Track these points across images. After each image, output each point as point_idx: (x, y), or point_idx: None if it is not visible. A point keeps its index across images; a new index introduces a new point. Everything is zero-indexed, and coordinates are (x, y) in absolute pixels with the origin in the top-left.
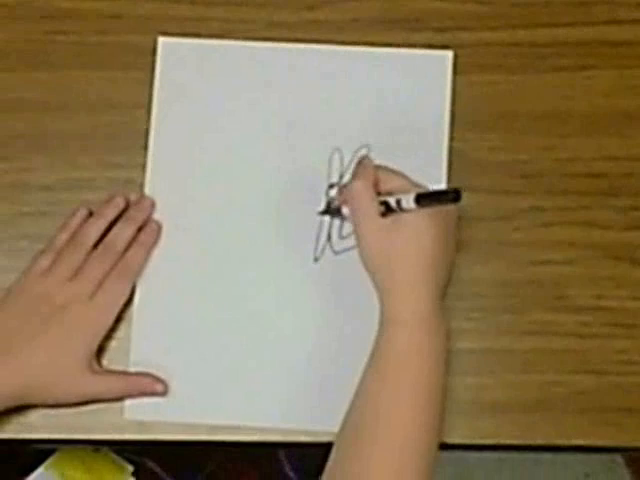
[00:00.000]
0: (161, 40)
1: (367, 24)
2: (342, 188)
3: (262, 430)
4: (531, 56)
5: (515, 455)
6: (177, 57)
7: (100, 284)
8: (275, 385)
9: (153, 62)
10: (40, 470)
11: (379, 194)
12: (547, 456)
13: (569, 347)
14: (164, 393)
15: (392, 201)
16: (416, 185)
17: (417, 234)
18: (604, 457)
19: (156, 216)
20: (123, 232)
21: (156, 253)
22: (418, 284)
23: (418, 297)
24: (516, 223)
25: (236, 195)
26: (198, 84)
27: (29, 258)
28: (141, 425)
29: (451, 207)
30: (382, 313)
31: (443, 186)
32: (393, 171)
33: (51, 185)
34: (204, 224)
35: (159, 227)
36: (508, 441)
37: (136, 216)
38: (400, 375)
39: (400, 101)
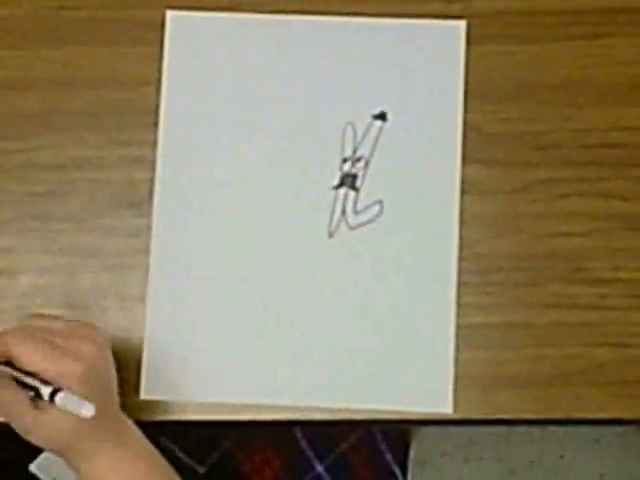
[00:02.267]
0: (169, 14)
1: None
2: None
3: (276, 407)
4: (546, 25)
5: None
6: (186, 31)
7: None
8: (290, 361)
9: (162, 37)
10: (46, 454)
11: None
12: None
13: (587, 320)
14: None
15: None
16: (55, 357)
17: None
18: None
19: (168, 193)
20: None
21: (168, 231)
22: (94, 446)
23: (101, 453)
24: (533, 195)
25: (248, 171)
26: (208, 58)
27: (41, 238)
28: (157, 404)
29: (98, 354)
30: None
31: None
32: (33, 346)
33: (61, 164)
34: (216, 201)
35: None
36: (527, 416)
37: None
38: None
39: (413, 73)
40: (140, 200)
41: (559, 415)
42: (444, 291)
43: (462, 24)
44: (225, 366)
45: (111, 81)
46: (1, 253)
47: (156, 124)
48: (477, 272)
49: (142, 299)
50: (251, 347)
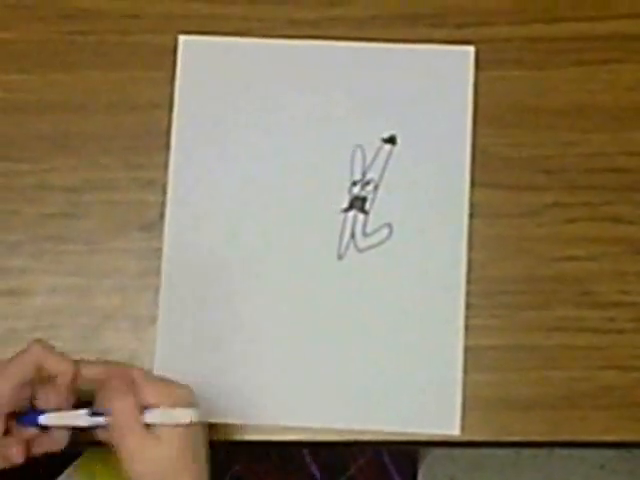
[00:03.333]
0: (182, 39)
1: (387, 20)
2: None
3: (285, 429)
4: (553, 51)
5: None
6: (198, 55)
7: None
8: (298, 383)
9: (173, 61)
10: (68, 471)
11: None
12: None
13: (595, 343)
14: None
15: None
16: (173, 396)
17: (187, 450)
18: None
19: (179, 216)
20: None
21: (179, 253)
22: None
23: None
24: (540, 219)
25: (259, 193)
26: (219, 82)
27: (53, 260)
28: None
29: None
30: None
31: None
32: (154, 384)
33: (74, 186)
34: (226, 223)
35: None
36: (534, 438)
37: None
38: None
39: (422, 98)
40: (151, 222)
41: (565, 437)
42: (452, 313)
43: (471, 50)
44: (234, 388)
45: (123, 104)
46: (14, 274)
47: (168, 147)
48: (485, 295)
49: (153, 320)
50: (260, 369)
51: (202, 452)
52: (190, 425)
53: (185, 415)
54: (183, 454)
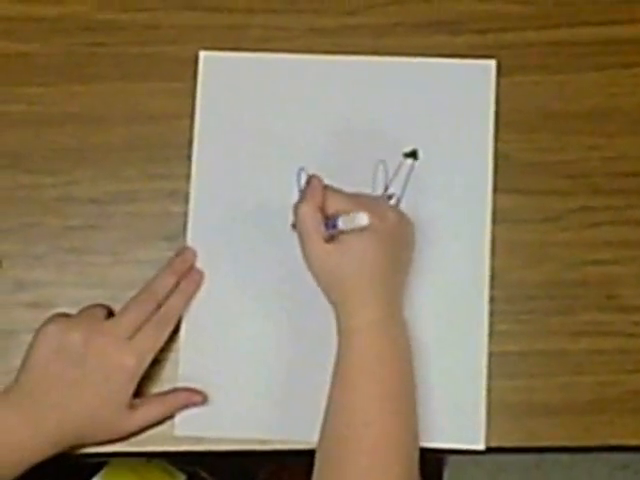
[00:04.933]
0: (202, 54)
1: (408, 28)
2: (294, 209)
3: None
4: (575, 55)
5: None
6: (218, 70)
7: (138, 329)
8: (317, 401)
9: (194, 72)
10: None
11: (326, 216)
12: None
13: (621, 347)
14: (203, 401)
15: (338, 223)
16: (360, 204)
17: (363, 256)
18: None
19: (201, 226)
20: (166, 281)
21: (202, 264)
22: (367, 296)
23: (368, 308)
24: (564, 224)
25: (279, 205)
26: (239, 95)
27: (77, 272)
28: (193, 437)
29: (399, 220)
30: (337, 326)
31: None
32: (340, 192)
33: (97, 198)
34: (248, 234)
35: (201, 277)
36: (562, 443)
37: (179, 267)
38: (365, 384)
39: (444, 111)
40: (175, 233)
41: (594, 442)
42: (476, 320)
43: (492, 63)
44: (255, 403)
45: (144, 116)
46: (38, 286)
47: (190, 157)
48: (509, 300)
49: (176, 329)
50: (280, 386)
51: (383, 259)
52: (369, 230)
53: (362, 218)
54: (362, 261)
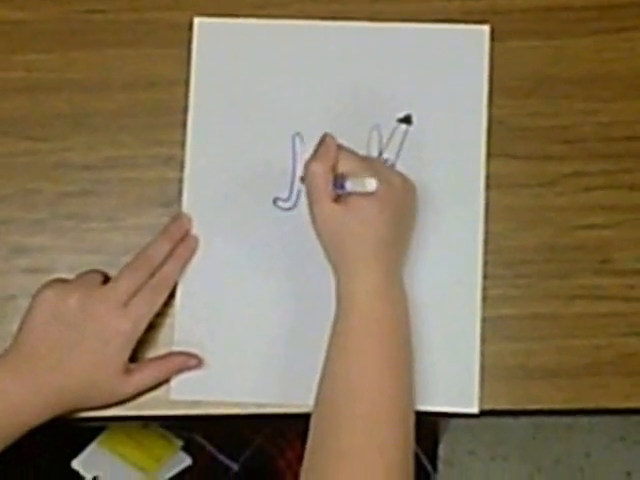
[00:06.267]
0: (197, 20)
1: None
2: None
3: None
4: (569, 20)
5: (550, 420)
6: (213, 36)
7: (134, 294)
8: (313, 365)
9: (190, 38)
10: (92, 446)
11: (336, 176)
12: (582, 420)
13: (615, 310)
14: (199, 365)
15: (347, 185)
16: (371, 168)
17: (368, 219)
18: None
19: (195, 193)
20: (161, 247)
21: (197, 230)
22: (369, 259)
23: (370, 271)
24: (559, 188)
25: (275, 171)
26: (234, 62)
27: (75, 237)
28: (189, 401)
29: (405, 186)
30: (337, 289)
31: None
32: (352, 153)
33: (93, 164)
34: (243, 200)
35: (196, 242)
36: (556, 406)
37: (174, 233)
38: (363, 348)
39: (438, 75)
40: (171, 199)
41: (588, 405)
42: (471, 283)
43: (486, 29)
44: (250, 367)
45: (140, 82)
46: (36, 252)
47: (185, 124)
48: (504, 265)
49: (171, 295)
50: (276, 350)
51: (387, 225)
52: (375, 196)
53: (371, 183)
54: (366, 225)
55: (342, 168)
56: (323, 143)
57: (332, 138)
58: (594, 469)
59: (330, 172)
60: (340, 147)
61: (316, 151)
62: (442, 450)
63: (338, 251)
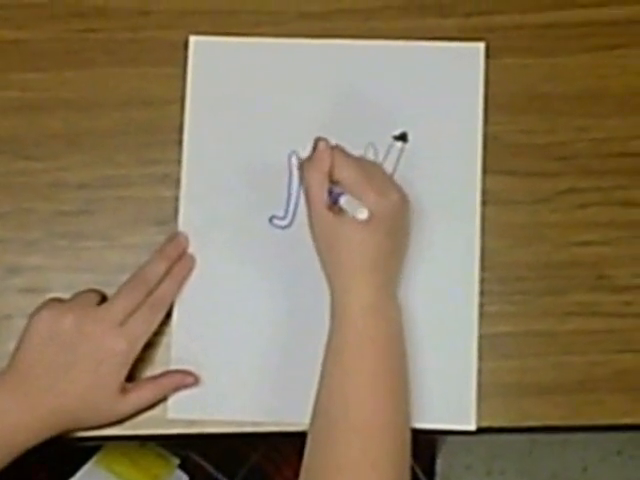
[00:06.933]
0: (192, 39)
1: (397, 11)
2: (300, 166)
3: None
4: (563, 37)
5: (547, 434)
6: (208, 55)
7: (131, 314)
8: (310, 383)
9: (185, 57)
10: (89, 466)
11: (332, 185)
12: (578, 435)
13: (611, 327)
14: (196, 383)
15: (341, 201)
16: (368, 180)
17: (364, 233)
18: (636, 434)
19: (192, 211)
20: (157, 266)
21: (193, 248)
22: (364, 274)
23: (365, 286)
24: (554, 205)
25: (271, 189)
26: (230, 80)
27: (70, 257)
28: (186, 420)
29: (401, 201)
30: (332, 302)
31: None
32: (348, 156)
33: (88, 183)
34: (240, 218)
35: (193, 262)
36: (552, 422)
37: (171, 252)
38: (358, 364)
39: (433, 93)
40: (167, 217)
41: (584, 421)
42: (467, 301)
43: (481, 46)
44: (247, 385)
45: (135, 101)
46: (31, 271)
47: (181, 142)
48: (501, 282)
49: (168, 314)
50: (271, 368)
51: (382, 242)
52: (368, 223)
53: (362, 212)
54: (361, 242)
55: (338, 175)
56: (316, 148)
57: (325, 142)
58: None
59: (325, 179)
60: (336, 150)
61: (311, 156)
62: (439, 465)
63: (333, 262)
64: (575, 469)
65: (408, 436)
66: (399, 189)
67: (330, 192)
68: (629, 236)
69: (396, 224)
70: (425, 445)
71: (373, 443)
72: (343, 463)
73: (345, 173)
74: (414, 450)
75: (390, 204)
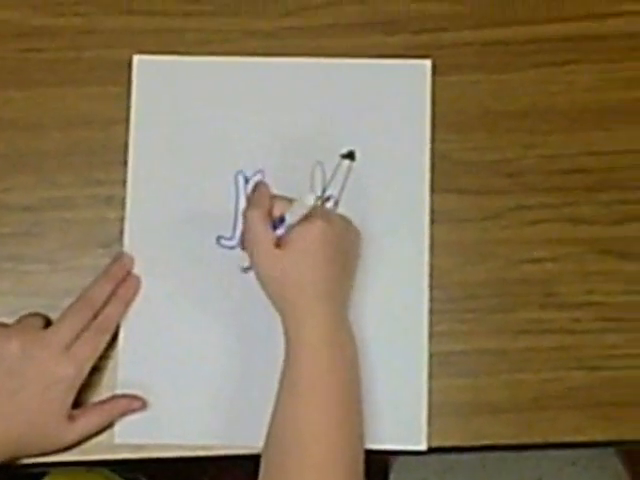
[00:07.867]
0: (136, 58)
1: (344, 29)
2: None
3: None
4: (511, 54)
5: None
6: (153, 74)
7: (76, 337)
8: (258, 406)
9: (129, 76)
10: None
11: (274, 219)
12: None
13: (562, 344)
14: (143, 407)
15: (286, 217)
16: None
17: (309, 260)
18: None
19: (137, 232)
20: (102, 288)
21: (139, 270)
22: (314, 306)
23: (316, 318)
24: (503, 222)
25: (217, 210)
26: (175, 99)
27: (14, 280)
28: (134, 444)
29: (346, 226)
30: (285, 334)
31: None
32: (286, 198)
33: (32, 205)
34: (186, 240)
35: (138, 283)
36: (504, 441)
37: (116, 273)
38: (314, 395)
39: (381, 110)
40: (111, 239)
41: (536, 439)
42: (417, 320)
43: (428, 63)
44: (194, 410)
45: (79, 121)
46: None
47: (125, 163)
48: (451, 300)
49: (113, 338)
50: (219, 392)
51: (329, 264)
52: (315, 234)
53: (307, 198)
54: (308, 264)
55: (277, 212)
56: (256, 191)
57: (265, 185)
58: None
59: (267, 217)
60: (274, 195)
61: (251, 200)
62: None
63: (282, 299)
64: None
65: (362, 463)
66: (342, 216)
67: (273, 227)
68: (578, 252)
69: (341, 246)
70: (378, 460)
71: (327, 475)
72: None
73: (284, 208)
74: (367, 466)
75: (333, 225)
